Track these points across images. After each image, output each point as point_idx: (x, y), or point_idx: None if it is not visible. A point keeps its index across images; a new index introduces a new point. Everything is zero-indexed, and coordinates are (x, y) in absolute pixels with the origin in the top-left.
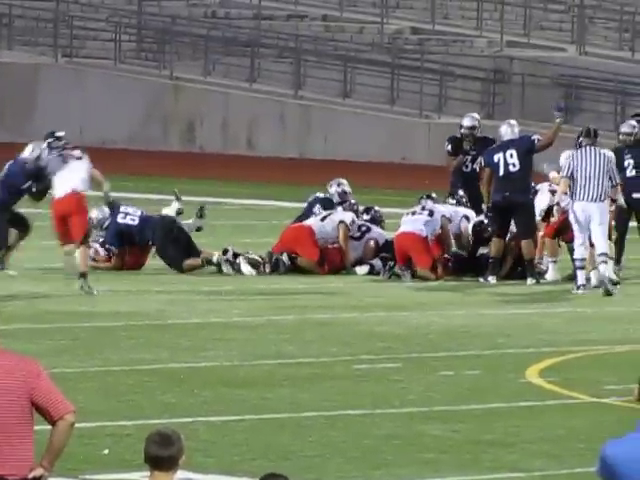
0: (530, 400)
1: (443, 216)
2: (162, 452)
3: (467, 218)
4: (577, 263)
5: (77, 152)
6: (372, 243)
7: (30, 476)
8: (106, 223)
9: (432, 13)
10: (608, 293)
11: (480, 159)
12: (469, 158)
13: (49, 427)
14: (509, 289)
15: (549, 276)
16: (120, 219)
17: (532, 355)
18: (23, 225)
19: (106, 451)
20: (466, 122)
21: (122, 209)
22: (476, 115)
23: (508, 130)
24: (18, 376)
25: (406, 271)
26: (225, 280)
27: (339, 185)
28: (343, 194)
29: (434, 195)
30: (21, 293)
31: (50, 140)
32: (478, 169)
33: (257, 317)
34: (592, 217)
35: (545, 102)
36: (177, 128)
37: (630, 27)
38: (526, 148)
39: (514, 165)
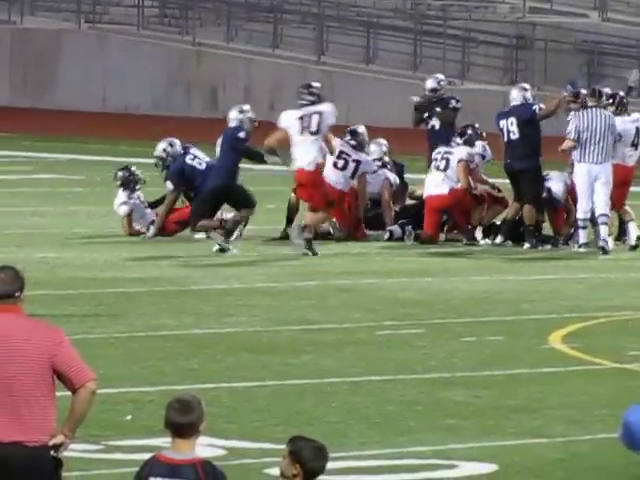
0: (553, 366)
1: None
2: (182, 419)
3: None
4: (579, 223)
5: None
6: (387, 183)
7: (50, 443)
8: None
9: None
10: (605, 251)
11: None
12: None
13: (70, 394)
14: (533, 254)
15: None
16: (188, 159)
17: (555, 321)
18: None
19: (129, 417)
20: (428, 84)
21: (192, 151)
22: (440, 76)
23: (518, 95)
24: (38, 343)
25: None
26: (246, 245)
27: (379, 145)
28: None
29: (476, 125)
30: (44, 259)
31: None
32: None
33: (280, 283)
34: (597, 177)
35: (567, 68)
36: (200, 94)
37: None
38: (526, 117)
39: (514, 133)
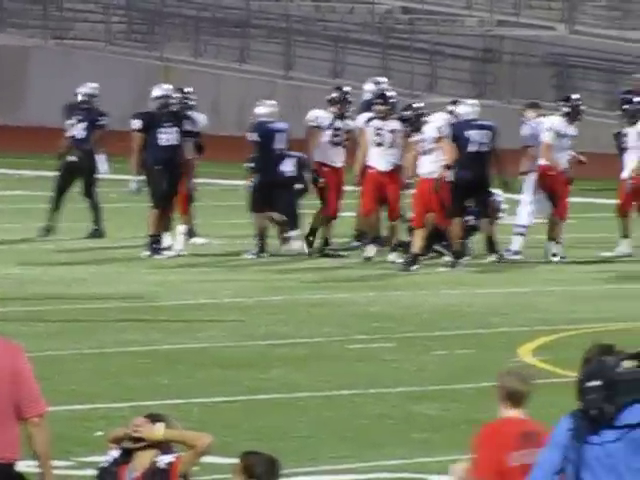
0: None
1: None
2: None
3: None
4: (516, 229)
5: None
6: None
7: None
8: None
9: None
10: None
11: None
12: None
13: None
14: (502, 268)
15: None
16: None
17: (525, 334)
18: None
19: (100, 433)
20: (366, 87)
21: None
22: (379, 79)
23: (469, 109)
24: (4, 360)
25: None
26: (217, 260)
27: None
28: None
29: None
30: (10, 275)
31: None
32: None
33: (249, 298)
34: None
35: (535, 81)
36: None
37: (619, 5)
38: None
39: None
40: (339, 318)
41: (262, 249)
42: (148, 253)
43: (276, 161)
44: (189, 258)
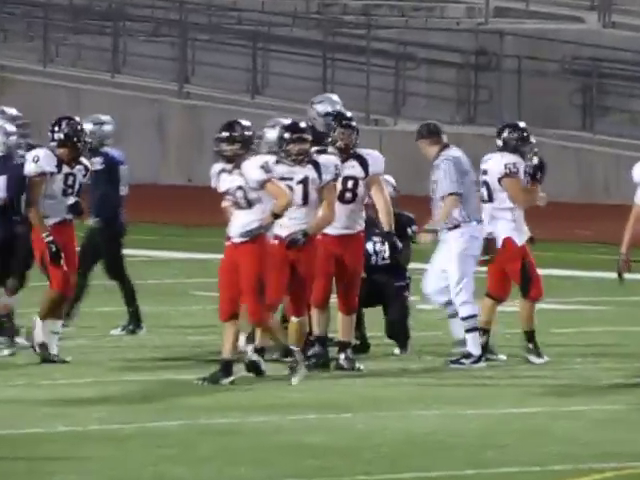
0: None
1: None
2: None
3: None
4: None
5: None
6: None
7: None
8: None
9: None
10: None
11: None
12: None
13: None
14: (498, 373)
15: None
16: None
17: (538, 476)
18: None
19: None
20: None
21: None
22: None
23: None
24: None
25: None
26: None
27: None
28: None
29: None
30: None
31: None
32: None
33: (125, 424)
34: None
35: (552, 99)
36: None
37: None
38: None
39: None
40: (258, 453)
41: None
42: None
43: None
44: (26, 368)
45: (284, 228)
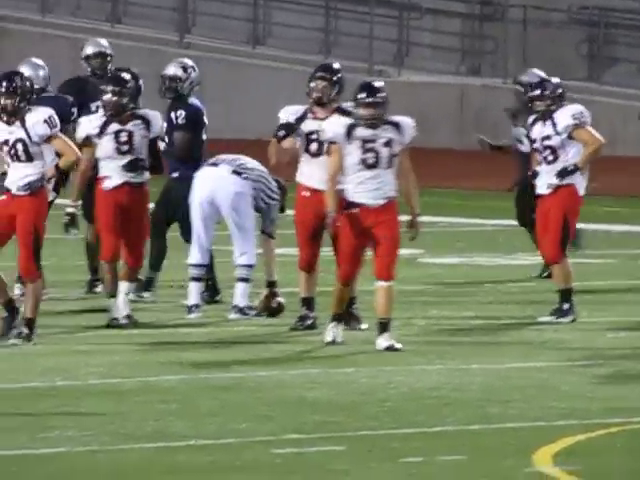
0: None
1: None
2: None
3: None
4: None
5: None
6: None
7: None
8: None
9: None
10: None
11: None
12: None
13: None
14: (505, 327)
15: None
16: None
17: (542, 432)
18: None
19: None
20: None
21: None
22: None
23: None
24: None
25: None
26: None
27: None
28: None
29: None
30: None
31: None
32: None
33: (126, 378)
34: None
35: (558, 49)
36: None
37: None
38: None
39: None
40: (260, 408)
41: None
42: None
43: None
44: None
45: (360, 194)
